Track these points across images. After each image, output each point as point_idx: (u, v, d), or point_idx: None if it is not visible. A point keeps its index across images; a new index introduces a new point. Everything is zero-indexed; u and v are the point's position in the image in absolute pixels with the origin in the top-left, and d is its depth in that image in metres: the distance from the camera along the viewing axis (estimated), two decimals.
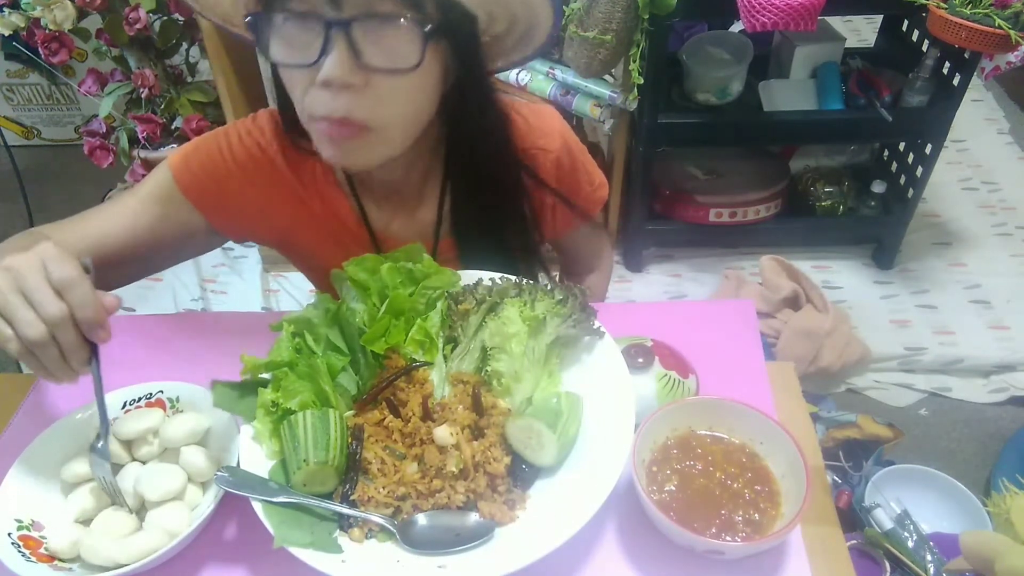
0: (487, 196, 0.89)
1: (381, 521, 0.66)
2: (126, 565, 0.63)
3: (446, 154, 0.88)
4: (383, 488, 0.68)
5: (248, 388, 0.73)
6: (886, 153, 2.22)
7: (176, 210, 0.87)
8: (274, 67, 0.74)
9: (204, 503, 0.71)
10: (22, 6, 1.76)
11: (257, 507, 0.65)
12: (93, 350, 0.66)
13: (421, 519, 0.67)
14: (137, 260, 0.88)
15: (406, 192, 0.92)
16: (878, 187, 2.06)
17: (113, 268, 0.86)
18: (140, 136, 2.00)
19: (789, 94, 1.95)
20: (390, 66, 0.68)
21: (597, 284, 1.18)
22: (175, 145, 2.04)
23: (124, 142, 2.02)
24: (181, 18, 1.93)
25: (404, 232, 0.93)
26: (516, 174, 0.89)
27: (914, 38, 1.98)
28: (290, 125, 0.82)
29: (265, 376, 0.73)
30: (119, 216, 0.86)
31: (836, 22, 2.14)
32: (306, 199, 0.90)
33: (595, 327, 0.79)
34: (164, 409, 0.78)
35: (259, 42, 0.71)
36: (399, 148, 0.77)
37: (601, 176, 1.01)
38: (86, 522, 0.70)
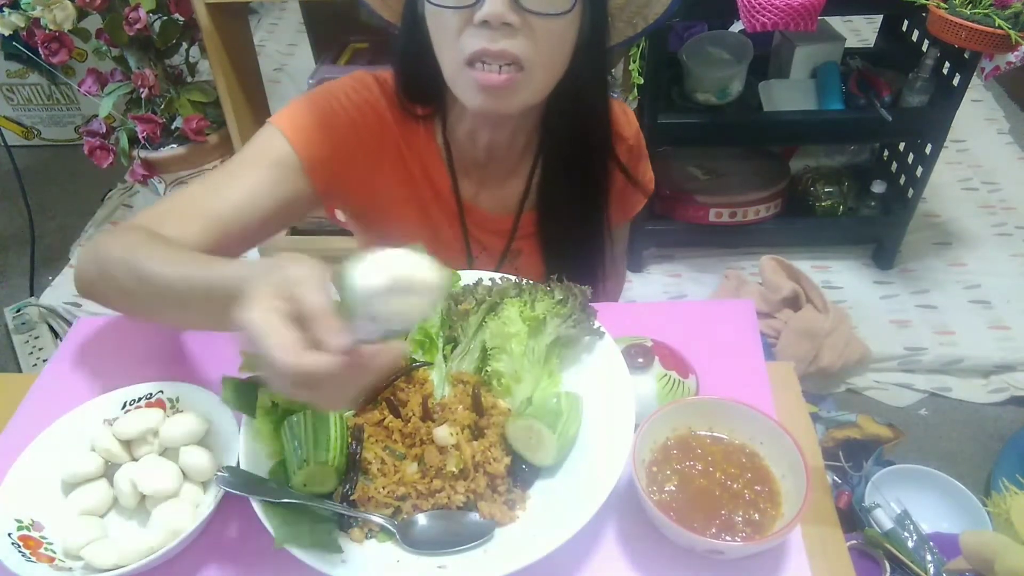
0: (578, 171, 0.93)
1: (381, 521, 0.66)
2: (127, 565, 0.63)
3: (544, 127, 0.92)
4: (383, 488, 0.68)
5: (256, 385, 0.73)
6: (886, 153, 2.22)
7: (289, 172, 0.84)
8: (405, 31, 0.82)
9: (205, 503, 0.71)
10: (22, 6, 1.76)
11: (257, 507, 0.65)
12: None
13: (421, 519, 0.67)
14: (255, 233, 0.84)
15: (500, 163, 0.94)
16: (878, 187, 2.06)
17: (235, 246, 0.83)
18: (140, 136, 2.00)
19: (789, 94, 1.95)
20: (546, 9, 0.72)
21: (613, 290, 1.18)
22: (175, 145, 2.04)
23: (124, 142, 2.02)
24: (181, 18, 1.93)
25: (490, 203, 0.97)
26: (609, 150, 0.94)
27: (914, 38, 1.98)
28: (410, 88, 0.86)
29: None
30: (239, 190, 0.82)
31: (836, 22, 2.14)
32: (408, 160, 0.91)
33: (595, 327, 0.79)
34: (164, 409, 0.78)
35: None
36: (538, 96, 0.81)
37: (651, 173, 1.06)
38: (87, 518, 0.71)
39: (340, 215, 1.02)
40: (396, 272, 0.51)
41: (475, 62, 0.75)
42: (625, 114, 0.98)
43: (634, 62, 1.62)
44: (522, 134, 0.92)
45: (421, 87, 0.86)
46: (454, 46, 0.75)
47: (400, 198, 0.93)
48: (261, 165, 0.83)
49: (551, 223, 0.97)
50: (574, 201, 0.95)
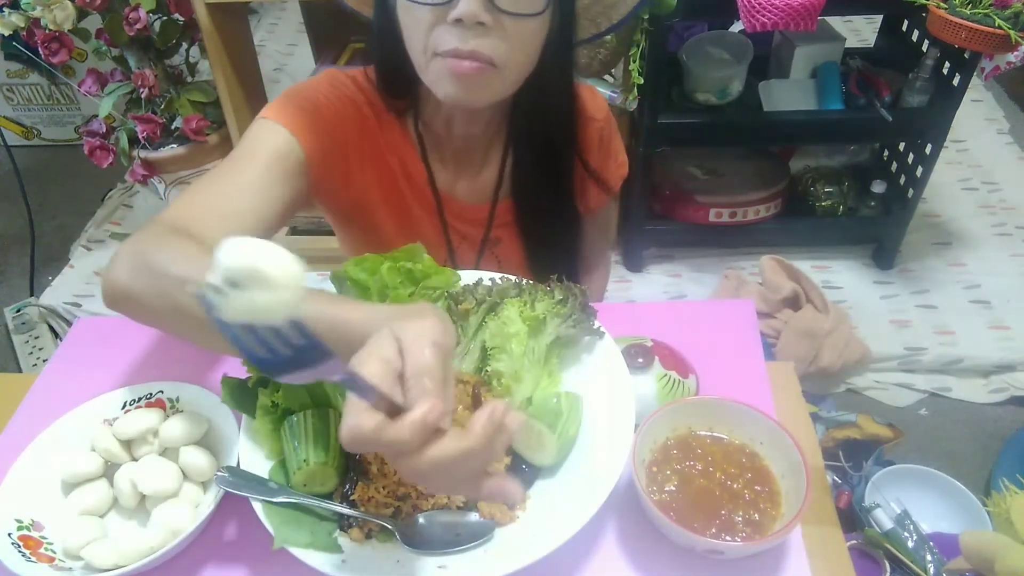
0: (548, 161, 0.94)
1: (381, 521, 0.66)
2: (127, 565, 0.63)
3: (512, 116, 0.92)
4: (383, 488, 0.68)
5: (255, 385, 0.73)
6: (886, 153, 2.22)
7: (291, 166, 0.81)
8: (378, 24, 0.82)
9: (205, 503, 0.71)
10: (22, 6, 1.76)
11: (257, 507, 0.65)
12: None
13: (421, 519, 0.67)
14: (267, 236, 0.79)
15: (472, 153, 0.95)
16: (878, 187, 2.06)
17: None
18: (140, 136, 1.99)
19: (789, 94, 1.95)
20: (520, 10, 0.73)
21: (596, 285, 1.18)
22: (175, 145, 2.04)
23: (124, 142, 2.01)
24: (181, 18, 1.93)
25: (466, 194, 0.97)
26: (575, 142, 0.95)
27: (914, 38, 1.98)
28: (386, 81, 0.87)
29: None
30: (252, 191, 0.78)
31: (836, 22, 2.14)
32: (386, 154, 0.92)
33: (595, 327, 0.79)
34: (164, 409, 0.78)
35: None
36: (509, 91, 0.82)
37: (624, 155, 1.06)
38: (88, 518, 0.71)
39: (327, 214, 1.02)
40: (230, 265, 0.45)
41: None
42: (594, 97, 0.99)
43: (634, 62, 1.62)
44: (492, 123, 0.93)
45: (396, 80, 0.87)
46: (425, 41, 0.75)
47: (381, 192, 0.94)
48: (268, 159, 0.80)
49: (526, 211, 0.99)
50: (546, 189, 0.96)
